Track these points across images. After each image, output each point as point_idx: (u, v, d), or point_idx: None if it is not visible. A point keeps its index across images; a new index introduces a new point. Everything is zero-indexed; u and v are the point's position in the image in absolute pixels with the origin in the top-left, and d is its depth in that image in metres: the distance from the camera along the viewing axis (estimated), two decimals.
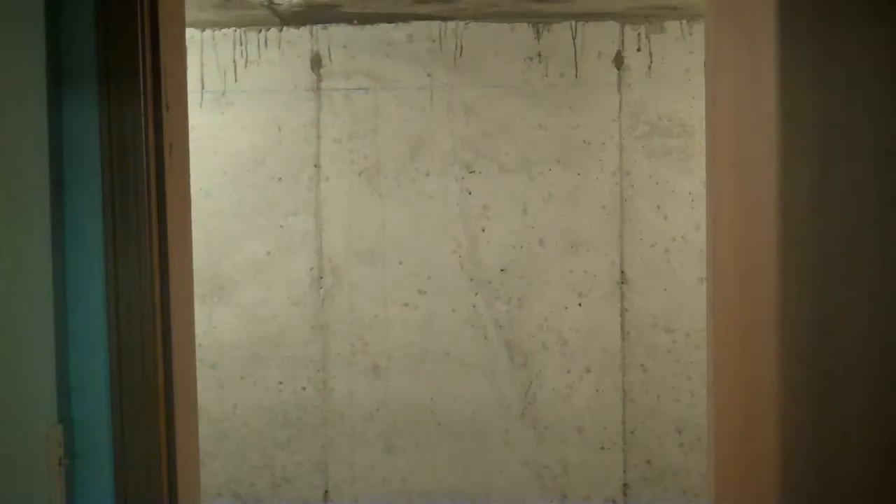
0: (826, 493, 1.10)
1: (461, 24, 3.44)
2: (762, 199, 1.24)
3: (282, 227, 3.50)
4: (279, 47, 3.47)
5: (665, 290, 3.47)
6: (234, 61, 3.48)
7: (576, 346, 3.48)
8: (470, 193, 3.47)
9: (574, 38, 3.44)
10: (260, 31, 3.47)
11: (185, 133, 1.59)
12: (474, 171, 3.47)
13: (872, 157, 0.99)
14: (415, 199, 3.47)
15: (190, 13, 3.15)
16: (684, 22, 3.43)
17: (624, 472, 3.50)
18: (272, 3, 3.09)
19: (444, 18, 3.40)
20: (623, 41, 3.45)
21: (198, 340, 3.49)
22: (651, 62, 3.44)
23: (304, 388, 3.52)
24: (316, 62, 3.47)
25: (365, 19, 3.41)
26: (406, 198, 3.48)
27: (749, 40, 1.29)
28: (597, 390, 3.48)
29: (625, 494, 3.50)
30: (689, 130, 3.43)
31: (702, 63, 1.56)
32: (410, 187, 3.47)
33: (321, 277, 3.50)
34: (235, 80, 3.48)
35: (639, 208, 3.45)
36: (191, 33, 3.44)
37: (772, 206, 1.20)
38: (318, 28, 3.46)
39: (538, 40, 3.44)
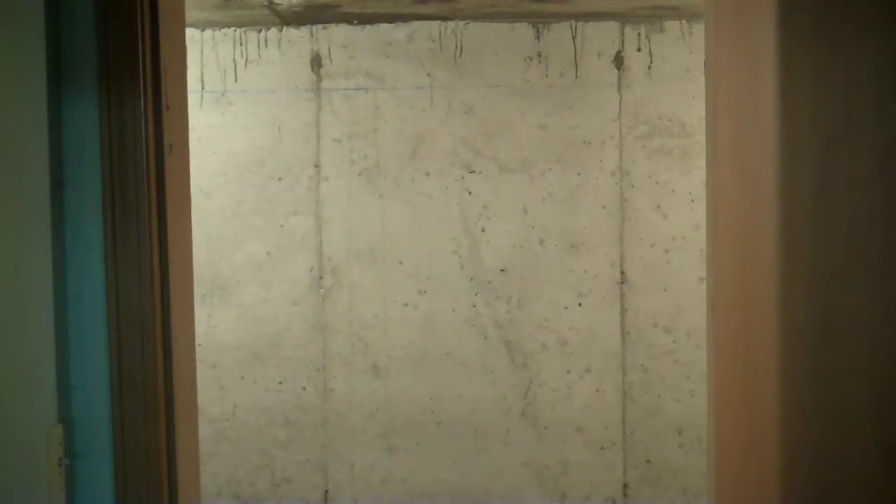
0: (826, 493, 1.10)
1: (461, 24, 3.44)
2: (762, 198, 1.24)
3: (282, 227, 3.50)
4: (279, 47, 3.47)
5: (665, 290, 3.47)
6: (234, 61, 3.48)
7: (576, 346, 3.48)
8: (470, 193, 3.47)
9: (574, 38, 3.44)
10: (260, 31, 3.47)
11: (185, 133, 1.59)
12: (474, 171, 3.47)
13: (872, 157, 0.99)
14: (415, 199, 3.47)
15: (190, 13, 3.14)
16: (684, 22, 3.43)
17: (624, 472, 3.50)
18: (272, 3, 3.09)
19: (444, 18, 3.40)
20: (623, 41, 3.45)
21: (198, 340, 3.49)
22: (651, 62, 3.44)
23: (304, 388, 3.52)
24: (316, 62, 3.47)
25: (365, 19, 3.41)
26: (406, 197, 3.48)
27: (749, 40, 1.29)
28: (597, 390, 3.48)
29: (625, 494, 3.50)
30: (689, 130, 3.43)
31: (702, 63, 1.56)
32: (410, 187, 3.47)
33: (321, 277, 3.50)
34: (235, 79, 3.48)
35: (639, 208, 3.45)
36: (191, 33, 3.44)
37: (772, 206, 1.20)
38: (318, 28, 3.46)
39: (538, 40, 3.44)
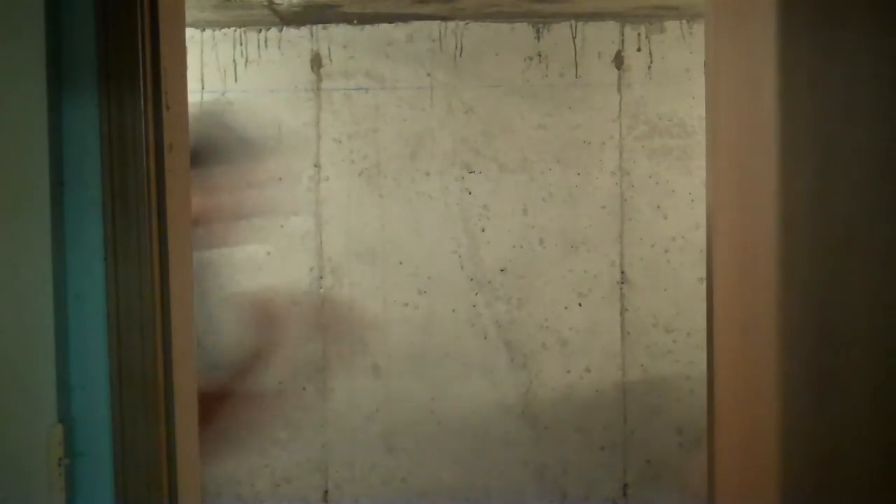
0: (826, 493, 1.10)
1: (461, 24, 3.44)
2: (762, 198, 1.24)
3: (282, 226, 3.50)
4: (279, 47, 3.47)
5: (665, 290, 3.47)
6: (234, 61, 3.48)
7: (576, 346, 3.48)
8: (470, 193, 3.47)
9: (574, 38, 3.44)
10: (260, 30, 3.47)
11: (185, 133, 1.58)
12: (474, 171, 3.46)
13: (872, 158, 0.99)
14: (415, 199, 3.47)
15: (190, 13, 3.14)
16: (684, 22, 3.43)
17: (624, 472, 3.50)
18: (272, 3, 3.09)
19: (444, 18, 3.40)
20: (623, 41, 3.44)
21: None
22: (651, 62, 3.44)
23: (303, 388, 3.51)
24: (316, 62, 3.47)
25: (365, 19, 3.41)
26: (406, 198, 3.48)
27: (749, 40, 1.29)
28: (597, 390, 3.48)
29: (625, 494, 3.50)
30: (689, 130, 3.43)
31: (702, 63, 1.56)
32: (410, 187, 3.47)
33: (321, 277, 3.50)
34: (235, 79, 3.48)
35: (639, 208, 3.45)
36: (191, 33, 3.44)
37: (772, 206, 1.20)
38: (318, 28, 3.46)
39: (538, 40, 3.44)
